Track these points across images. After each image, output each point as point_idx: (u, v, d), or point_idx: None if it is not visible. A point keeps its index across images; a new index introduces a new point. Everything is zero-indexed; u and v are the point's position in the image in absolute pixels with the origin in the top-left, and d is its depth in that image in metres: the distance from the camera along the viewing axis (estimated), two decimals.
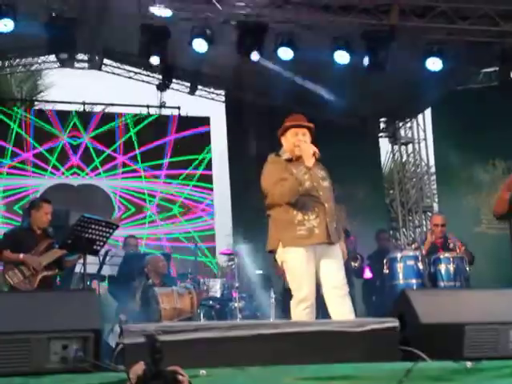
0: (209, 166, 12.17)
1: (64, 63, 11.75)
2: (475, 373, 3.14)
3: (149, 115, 12.16)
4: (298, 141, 4.90)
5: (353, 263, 8.13)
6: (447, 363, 3.16)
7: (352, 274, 7.85)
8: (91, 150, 11.64)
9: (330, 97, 10.80)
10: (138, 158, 11.81)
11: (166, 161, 11.91)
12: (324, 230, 4.79)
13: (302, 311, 4.66)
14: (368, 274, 8.59)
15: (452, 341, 3.32)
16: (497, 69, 10.00)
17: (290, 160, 4.95)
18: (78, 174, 11.55)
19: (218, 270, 12.04)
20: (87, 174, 11.59)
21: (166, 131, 12.06)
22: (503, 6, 8.76)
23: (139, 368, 2.53)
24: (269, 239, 4.95)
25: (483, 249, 8.96)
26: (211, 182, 12.17)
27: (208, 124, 12.33)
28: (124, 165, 11.78)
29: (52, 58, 11.60)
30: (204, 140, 12.27)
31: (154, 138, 11.94)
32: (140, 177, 11.81)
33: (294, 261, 4.79)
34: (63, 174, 11.51)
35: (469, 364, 3.15)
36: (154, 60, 9.14)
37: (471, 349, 3.31)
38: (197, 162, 12.04)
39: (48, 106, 12.50)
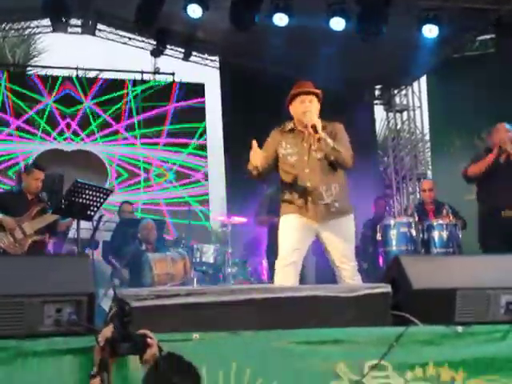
0: (204, 135, 12.16)
1: (57, 28, 11.63)
2: (466, 337, 3.17)
3: (148, 82, 12.09)
4: (304, 108, 4.85)
5: None
6: (438, 328, 3.19)
7: None
8: (90, 115, 11.58)
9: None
10: (136, 126, 11.76)
11: (164, 128, 11.87)
12: (313, 209, 4.81)
13: (278, 269, 4.73)
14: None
15: (443, 306, 3.34)
16: (493, 36, 9.93)
17: (292, 130, 4.94)
18: (72, 140, 11.50)
19: (212, 234, 12.09)
20: (82, 140, 11.54)
21: (167, 99, 12.00)
22: None
23: (108, 331, 2.55)
24: None
25: (476, 216, 8.99)
26: (206, 150, 12.15)
27: (203, 93, 12.27)
28: (122, 131, 11.73)
29: (45, 22, 11.47)
30: (202, 110, 12.23)
31: (155, 105, 11.88)
32: (136, 144, 11.78)
33: (281, 225, 4.91)
34: (55, 139, 11.46)
35: (459, 328, 3.18)
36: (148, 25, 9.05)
37: (462, 314, 3.33)
38: (194, 130, 12.01)
39: (42, 72, 12.37)
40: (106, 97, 11.73)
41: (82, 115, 11.55)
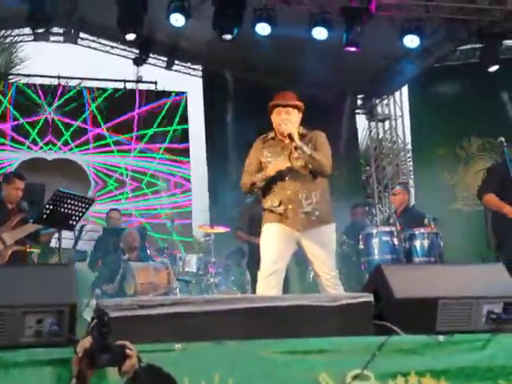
0: (185, 139, 12.11)
1: (39, 37, 11.59)
2: (448, 346, 3.18)
3: (114, 90, 12.07)
4: (281, 120, 4.89)
5: None
6: (420, 337, 3.19)
7: None
8: (59, 124, 11.52)
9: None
10: (106, 132, 11.72)
11: (135, 134, 11.85)
12: (293, 217, 4.83)
13: (260, 280, 4.75)
14: None
15: (425, 315, 3.36)
16: (474, 46, 10.03)
17: (273, 139, 4.99)
18: (51, 149, 11.46)
19: (195, 243, 12.05)
20: (60, 149, 11.50)
21: (134, 104, 11.98)
22: None
23: (86, 342, 2.53)
24: None
25: (458, 225, 9.07)
26: (188, 156, 12.13)
27: (169, 95, 12.26)
28: (94, 139, 11.68)
29: (27, 30, 11.44)
30: (174, 111, 12.21)
31: (123, 111, 11.86)
32: (112, 151, 11.73)
33: (262, 235, 4.93)
34: (41, 148, 11.41)
35: (441, 338, 3.19)
36: (130, 36, 9.02)
37: (444, 323, 3.34)
38: (170, 134, 11.99)
39: (23, 80, 12.32)
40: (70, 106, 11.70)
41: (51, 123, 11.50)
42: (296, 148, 4.78)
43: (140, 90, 12.20)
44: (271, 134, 5.03)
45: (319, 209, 4.87)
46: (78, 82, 12.42)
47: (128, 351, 2.53)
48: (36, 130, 11.41)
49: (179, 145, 12.06)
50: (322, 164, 4.83)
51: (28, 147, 11.36)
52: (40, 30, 8.88)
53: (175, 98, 12.23)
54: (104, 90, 12.01)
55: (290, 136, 4.79)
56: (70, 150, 11.53)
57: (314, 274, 4.92)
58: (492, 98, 10.29)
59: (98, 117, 11.75)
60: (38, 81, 12.06)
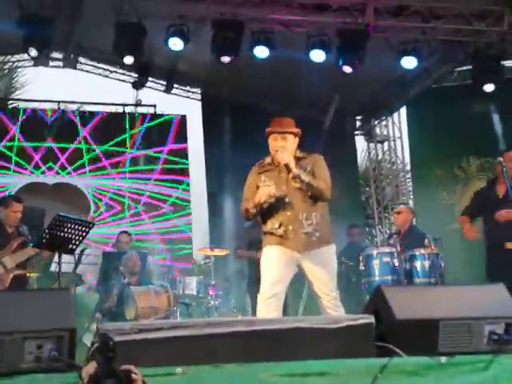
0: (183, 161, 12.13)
1: (38, 62, 11.64)
2: (449, 367, 3.16)
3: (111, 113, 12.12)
4: (277, 147, 4.91)
5: None
6: (422, 358, 3.18)
7: None
8: (56, 148, 11.56)
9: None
10: (102, 154, 11.73)
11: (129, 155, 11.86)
12: (294, 238, 4.82)
13: (260, 303, 4.74)
14: None
15: (427, 336, 3.35)
16: (470, 67, 10.07)
17: (270, 164, 5.01)
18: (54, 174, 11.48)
19: (195, 266, 12.01)
20: (58, 173, 11.50)
21: (131, 125, 12.03)
22: (476, 5, 8.84)
23: (91, 367, 2.52)
24: None
25: (458, 246, 9.03)
26: (187, 177, 12.12)
27: (168, 117, 12.28)
28: (90, 162, 11.69)
29: (26, 56, 11.47)
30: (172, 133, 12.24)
31: (118, 132, 11.89)
32: (108, 173, 11.72)
33: (262, 258, 4.92)
34: (43, 173, 11.42)
35: (443, 359, 3.18)
36: (128, 60, 9.02)
37: (446, 344, 3.33)
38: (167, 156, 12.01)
39: (22, 105, 12.37)
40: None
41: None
42: (294, 177, 4.82)
43: (138, 114, 12.22)
44: (268, 159, 5.05)
45: (320, 229, 4.87)
46: (77, 105, 12.48)
47: (133, 375, 2.52)
48: (39, 155, 11.41)
49: (177, 166, 12.05)
50: (320, 190, 4.85)
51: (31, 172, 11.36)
52: (33, 54, 8.82)
53: (174, 119, 12.25)
54: (99, 112, 12.04)
55: (286, 166, 4.82)
56: (68, 173, 11.51)
57: (314, 295, 4.90)
58: (490, 118, 10.33)
59: (93, 139, 11.74)
60: (38, 106, 12.11)
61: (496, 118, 10.31)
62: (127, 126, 11.95)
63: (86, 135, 11.71)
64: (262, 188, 4.85)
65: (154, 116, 12.23)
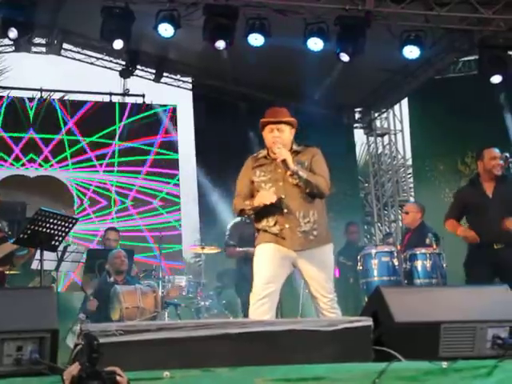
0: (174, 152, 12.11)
1: (20, 47, 11.58)
2: (451, 373, 3.16)
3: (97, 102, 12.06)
4: (273, 137, 4.88)
5: None
6: (422, 363, 3.18)
7: None
8: (39, 139, 11.51)
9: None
10: (88, 146, 11.68)
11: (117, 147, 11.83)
12: (290, 237, 4.82)
13: (252, 303, 4.73)
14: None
15: (427, 340, 3.35)
16: (476, 57, 10.07)
17: (265, 157, 4.98)
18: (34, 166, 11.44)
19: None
20: (41, 166, 11.46)
21: (120, 116, 11.99)
22: None
23: (74, 368, 2.51)
24: None
25: (461, 245, 9.04)
26: (177, 170, 12.10)
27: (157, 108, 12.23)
28: (74, 154, 11.65)
29: (7, 41, 11.42)
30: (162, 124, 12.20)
31: (106, 123, 11.83)
32: (94, 166, 11.69)
33: (255, 256, 4.91)
34: (23, 165, 11.38)
35: (444, 364, 3.18)
36: (117, 44, 8.96)
37: (447, 348, 3.34)
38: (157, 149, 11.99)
39: (3, 93, 12.31)
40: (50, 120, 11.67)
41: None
42: (292, 174, 4.80)
43: (126, 103, 12.18)
44: (263, 153, 5.02)
45: (317, 228, 4.86)
46: (61, 94, 12.42)
47: (118, 378, 2.51)
48: (19, 146, 11.37)
49: (168, 157, 12.02)
50: (319, 186, 4.83)
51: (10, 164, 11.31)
52: (12, 35, 8.70)
53: (163, 110, 12.22)
54: (85, 102, 11.99)
55: (284, 162, 4.79)
56: (51, 166, 11.47)
57: (310, 296, 4.90)
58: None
59: (78, 130, 11.69)
60: (19, 93, 12.05)
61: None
62: (117, 117, 11.91)
63: (72, 126, 11.67)
64: (263, 193, 4.82)
65: (145, 106, 12.18)
